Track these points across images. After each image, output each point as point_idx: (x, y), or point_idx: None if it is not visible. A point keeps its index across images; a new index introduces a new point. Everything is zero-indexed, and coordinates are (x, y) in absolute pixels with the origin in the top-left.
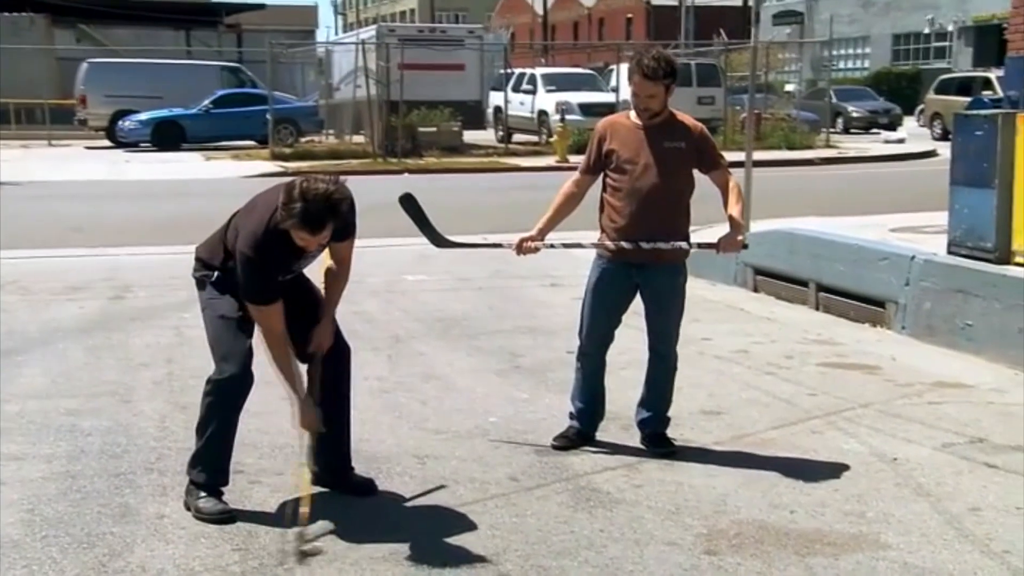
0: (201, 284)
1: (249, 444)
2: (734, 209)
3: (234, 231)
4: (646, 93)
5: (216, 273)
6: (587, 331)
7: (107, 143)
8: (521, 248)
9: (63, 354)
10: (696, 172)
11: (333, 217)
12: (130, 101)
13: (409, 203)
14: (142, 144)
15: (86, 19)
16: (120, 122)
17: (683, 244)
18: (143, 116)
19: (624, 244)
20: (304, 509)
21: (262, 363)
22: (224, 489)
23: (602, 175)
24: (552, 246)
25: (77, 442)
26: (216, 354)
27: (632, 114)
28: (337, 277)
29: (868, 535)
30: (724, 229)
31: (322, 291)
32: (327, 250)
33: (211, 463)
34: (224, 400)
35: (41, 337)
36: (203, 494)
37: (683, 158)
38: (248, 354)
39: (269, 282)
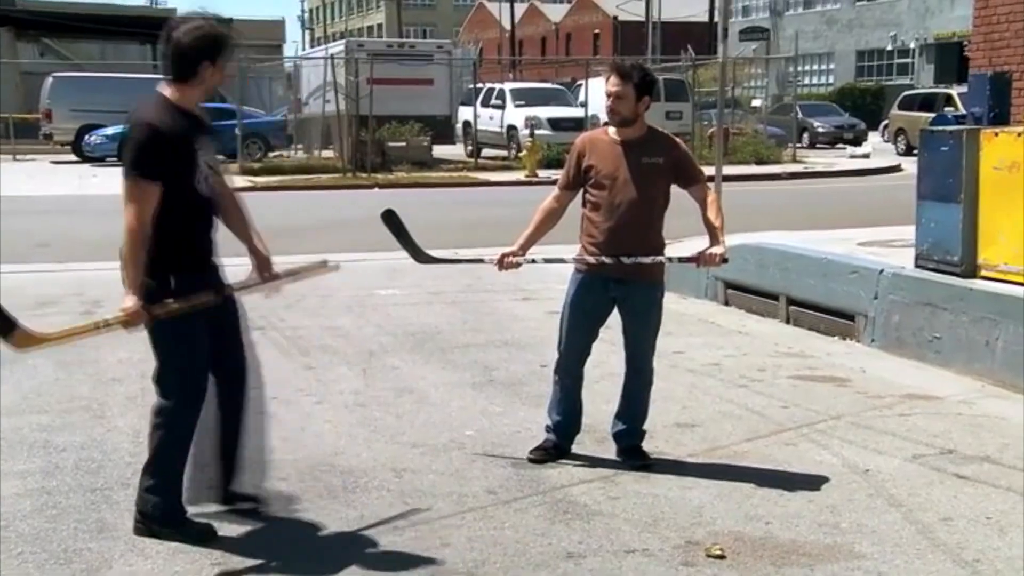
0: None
1: None
2: (714, 223)
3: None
4: (616, 92)
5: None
6: (565, 345)
7: (73, 158)
8: (503, 263)
9: (34, 370)
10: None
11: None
12: (96, 116)
13: (391, 219)
14: (109, 159)
15: (50, 33)
16: (86, 137)
17: (664, 258)
18: (110, 131)
19: (605, 259)
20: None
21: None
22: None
23: (582, 191)
24: (534, 261)
25: (51, 458)
26: (175, 376)
27: (611, 130)
28: (234, 207)
29: (843, 545)
30: (696, 243)
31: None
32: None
33: (174, 496)
34: (185, 430)
35: (10, 353)
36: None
37: (661, 173)
38: (207, 376)
39: (160, 155)
